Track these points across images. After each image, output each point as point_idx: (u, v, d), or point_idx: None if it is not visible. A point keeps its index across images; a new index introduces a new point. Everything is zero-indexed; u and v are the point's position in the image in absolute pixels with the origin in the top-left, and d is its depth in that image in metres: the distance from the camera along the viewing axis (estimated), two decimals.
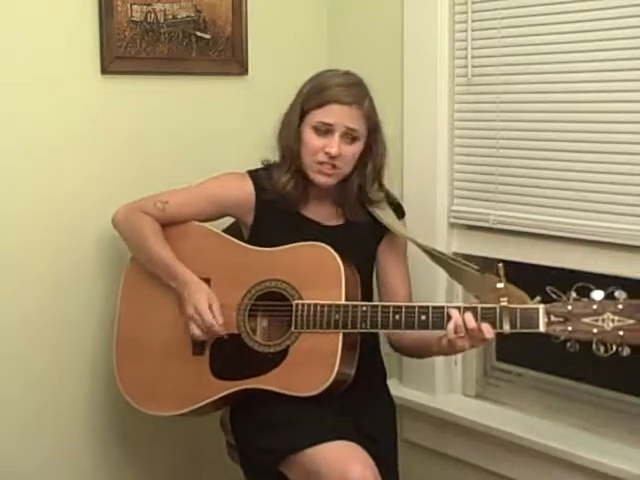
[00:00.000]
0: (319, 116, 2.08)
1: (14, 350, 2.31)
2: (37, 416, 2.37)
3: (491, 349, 2.62)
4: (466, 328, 1.91)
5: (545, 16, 2.24)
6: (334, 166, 2.10)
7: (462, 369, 2.58)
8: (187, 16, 2.48)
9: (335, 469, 1.91)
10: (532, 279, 2.40)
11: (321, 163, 2.10)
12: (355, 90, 2.10)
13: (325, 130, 2.08)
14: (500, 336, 1.93)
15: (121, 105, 2.41)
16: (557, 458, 2.25)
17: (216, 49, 2.55)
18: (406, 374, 2.60)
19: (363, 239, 2.20)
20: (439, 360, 2.49)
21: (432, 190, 2.50)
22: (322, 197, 2.19)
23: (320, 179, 2.12)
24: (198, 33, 2.51)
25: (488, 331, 1.90)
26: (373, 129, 2.14)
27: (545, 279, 2.34)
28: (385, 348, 2.28)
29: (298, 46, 2.72)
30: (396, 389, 2.43)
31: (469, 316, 1.91)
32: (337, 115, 2.07)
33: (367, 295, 2.19)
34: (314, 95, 2.10)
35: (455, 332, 1.92)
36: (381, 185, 2.21)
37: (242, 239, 2.20)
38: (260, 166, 2.23)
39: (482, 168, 2.42)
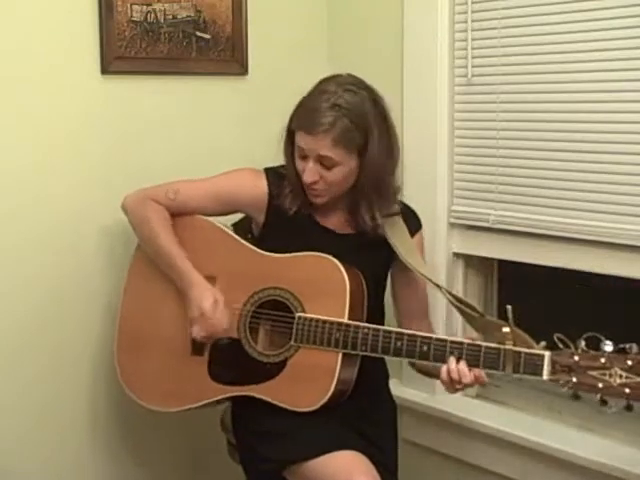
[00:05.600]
0: (297, 140, 2.02)
1: (14, 349, 2.31)
2: (38, 414, 2.37)
3: None
4: (460, 381, 1.88)
5: (545, 16, 2.24)
6: (317, 189, 2.05)
7: None
8: (187, 16, 2.48)
9: None
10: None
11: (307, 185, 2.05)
12: (327, 115, 1.95)
13: (303, 155, 2.02)
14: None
15: (121, 105, 2.42)
16: (557, 458, 2.25)
17: (216, 49, 2.55)
18: (406, 374, 2.60)
19: (374, 250, 2.12)
20: None
21: (432, 190, 2.50)
22: (335, 203, 2.12)
23: (311, 199, 2.08)
24: (198, 33, 2.51)
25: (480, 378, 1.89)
26: (362, 145, 2.00)
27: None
28: None
29: (298, 46, 2.72)
30: (396, 389, 2.42)
31: (464, 370, 1.87)
32: (307, 142, 1.99)
33: (378, 307, 2.15)
34: (295, 117, 2.04)
35: (449, 380, 1.89)
36: (385, 197, 2.09)
37: (252, 234, 2.18)
38: (278, 164, 2.16)
39: (482, 168, 2.42)
